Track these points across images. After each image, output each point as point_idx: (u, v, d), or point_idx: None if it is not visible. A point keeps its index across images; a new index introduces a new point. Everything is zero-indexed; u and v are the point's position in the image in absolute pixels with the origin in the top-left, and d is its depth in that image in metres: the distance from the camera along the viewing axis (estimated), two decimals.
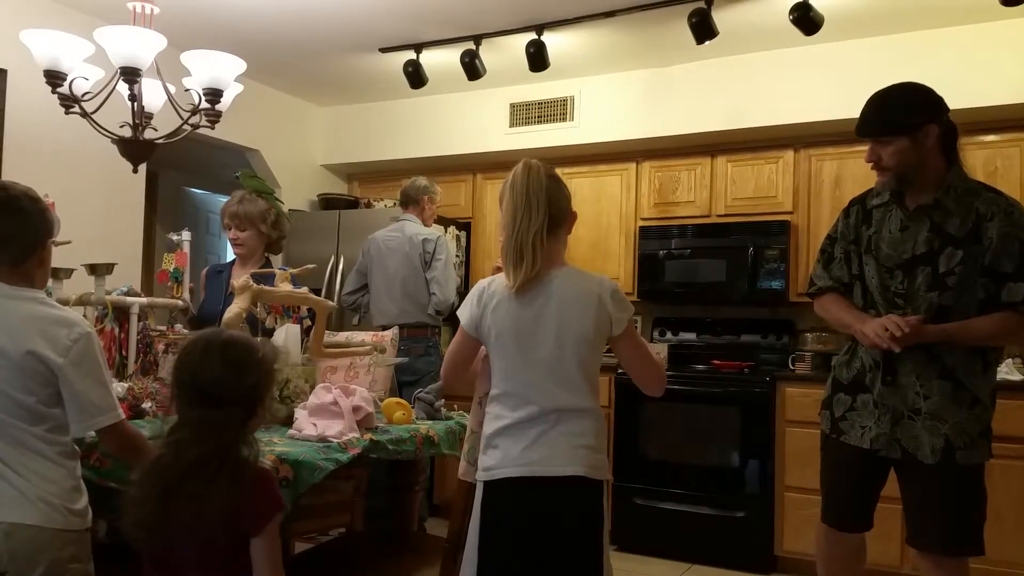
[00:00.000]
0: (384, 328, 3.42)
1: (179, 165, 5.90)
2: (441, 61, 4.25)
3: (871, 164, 2.21)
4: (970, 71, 3.66)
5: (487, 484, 1.77)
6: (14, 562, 1.63)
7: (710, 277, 4.32)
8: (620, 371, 4.24)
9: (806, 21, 3.37)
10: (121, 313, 2.57)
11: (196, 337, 1.64)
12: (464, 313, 1.82)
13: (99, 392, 1.71)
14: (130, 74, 2.46)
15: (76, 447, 1.78)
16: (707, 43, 3.57)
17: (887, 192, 2.24)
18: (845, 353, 2.35)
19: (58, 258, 2.23)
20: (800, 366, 4.07)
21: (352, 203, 5.19)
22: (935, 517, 2.13)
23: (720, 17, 3.51)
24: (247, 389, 1.56)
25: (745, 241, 4.22)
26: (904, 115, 2.13)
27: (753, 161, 4.32)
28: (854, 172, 3.99)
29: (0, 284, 1.70)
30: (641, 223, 4.56)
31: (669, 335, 4.62)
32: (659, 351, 4.36)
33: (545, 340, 1.75)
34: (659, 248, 4.44)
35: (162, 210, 5.96)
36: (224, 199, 6.35)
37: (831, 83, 3.92)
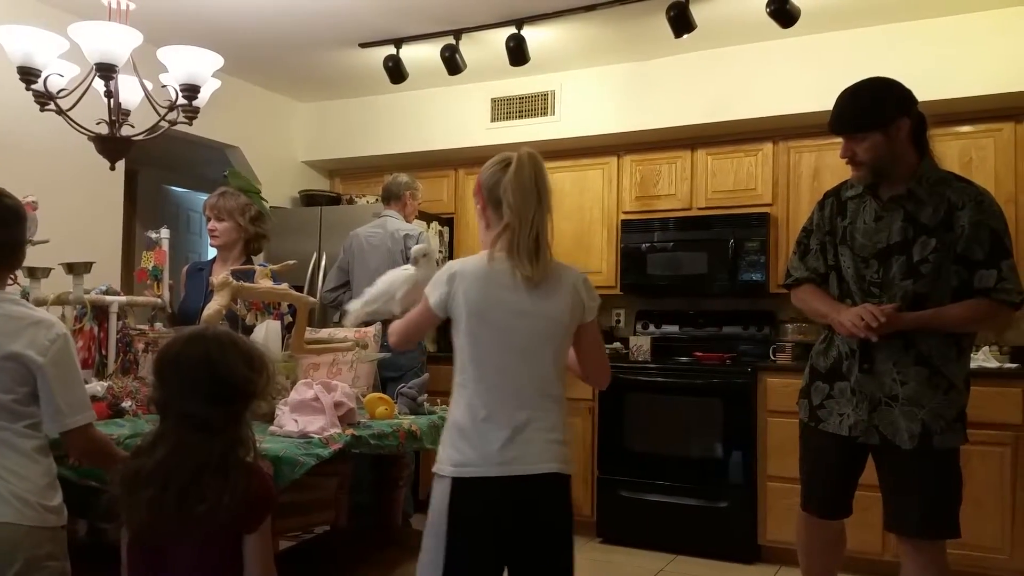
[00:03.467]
0: (366, 324, 3.42)
1: (159, 163, 5.85)
2: (421, 56, 4.24)
3: (846, 159, 2.24)
4: (946, 63, 3.70)
5: (459, 481, 1.72)
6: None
7: (692, 270, 4.34)
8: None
9: (783, 14, 3.39)
10: (100, 312, 2.55)
11: (195, 334, 1.62)
12: (433, 293, 1.79)
13: (74, 393, 1.72)
14: (106, 70, 2.44)
15: (49, 445, 1.77)
16: (685, 37, 3.59)
17: (861, 184, 2.27)
18: (822, 342, 2.39)
19: (36, 257, 2.21)
20: (781, 356, 4.10)
21: (334, 199, 5.17)
22: (912, 501, 2.16)
23: (698, 10, 3.53)
24: (257, 385, 1.57)
25: (726, 233, 4.25)
26: (876, 111, 2.16)
27: (733, 154, 4.35)
28: (832, 164, 4.02)
29: None
30: (623, 216, 4.58)
31: (652, 328, 4.64)
32: (641, 344, 4.39)
33: (524, 328, 1.75)
34: (641, 241, 4.46)
35: (142, 208, 5.92)
36: (203, 196, 6.33)
37: (809, 75, 3.95)
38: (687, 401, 4.06)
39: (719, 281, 4.29)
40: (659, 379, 4.15)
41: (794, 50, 4.00)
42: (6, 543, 1.63)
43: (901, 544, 2.23)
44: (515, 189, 1.75)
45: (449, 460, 1.74)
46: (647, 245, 4.44)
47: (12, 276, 1.84)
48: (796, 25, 3.47)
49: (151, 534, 1.50)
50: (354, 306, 2.33)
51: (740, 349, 4.39)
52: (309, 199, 5.15)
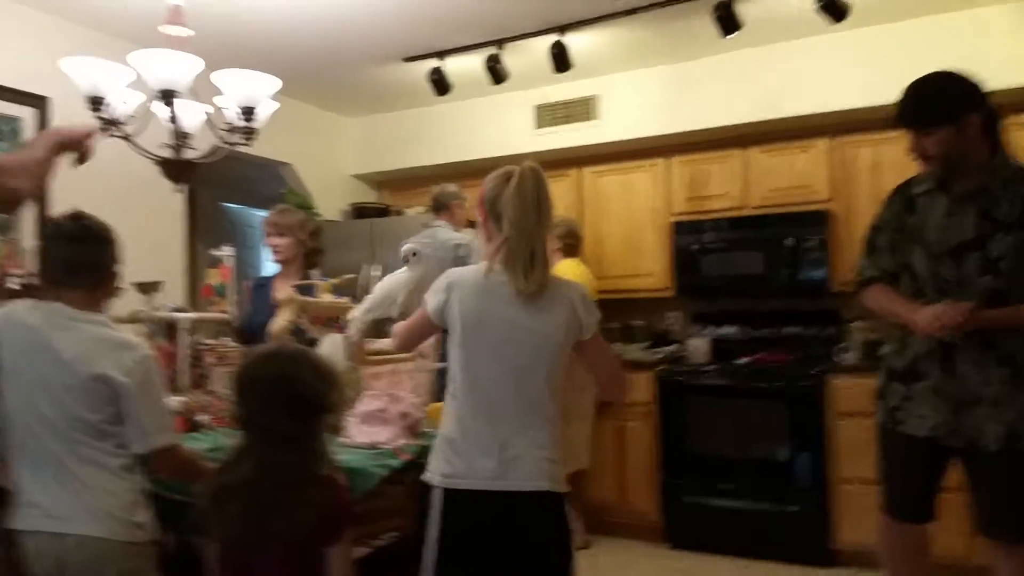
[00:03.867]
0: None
1: (215, 181, 5.96)
2: (465, 66, 4.26)
3: (915, 155, 2.18)
4: (1011, 50, 3.57)
5: (450, 492, 1.71)
6: (82, 573, 1.67)
7: (748, 270, 4.27)
8: (661, 368, 4.22)
9: (833, 8, 3.33)
10: (168, 328, 2.62)
11: (271, 351, 1.67)
12: (432, 301, 1.80)
13: (158, 413, 1.78)
14: (167, 96, 2.51)
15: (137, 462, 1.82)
16: (732, 35, 3.55)
17: (931, 179, 2.20)
18: (896, 342, 2.32)
19: None
20: (847, 357, 4.00)
21: (383, 211, 5.23)
22: (1005, 504, 2.09)
23: (744, 9, 3.48)
24: (331, 399, 1.61)
25: (782, 232, 4.17)
26: (945, 105, 2.11)
27: (786, 150, 4.27)
28: (892, 158, 3.92)
29: (71, 309, 1.76)
30: (674, 218, 4.52)
31: (709, 329, 4.57)
32: (699, 345, 4.33)
33: (517, 342, 1.74)
34: (694, 243, 4.40)
35: (201, 226, 6.04)
36: (259, 213, 6.44)
37: (861, 70, 3.87)
38: (750, 403, 3.99)
39: (778, 281, 4.21)
40: (719, 381, 4.08)
41: (845, 44, 3.92)
42: (97, 558, 1.68)
43: (993, 548, 2.16)
44: (515, 203, 1.75)
45: (439, 471, 1.73)
46: (701, 246, 4.39)
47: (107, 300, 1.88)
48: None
49: (238, 547, 1.54)
50: (355, 314, 2.35)
51: (803, 350, 4.29)
52: (359, 212, 5.22)
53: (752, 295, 4.48)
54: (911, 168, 2.28)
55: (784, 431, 3.88)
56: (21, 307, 1.80)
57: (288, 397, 1.56)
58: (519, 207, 1.75)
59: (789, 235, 4.15)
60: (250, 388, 1.60)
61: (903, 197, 2.29)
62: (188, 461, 1.83)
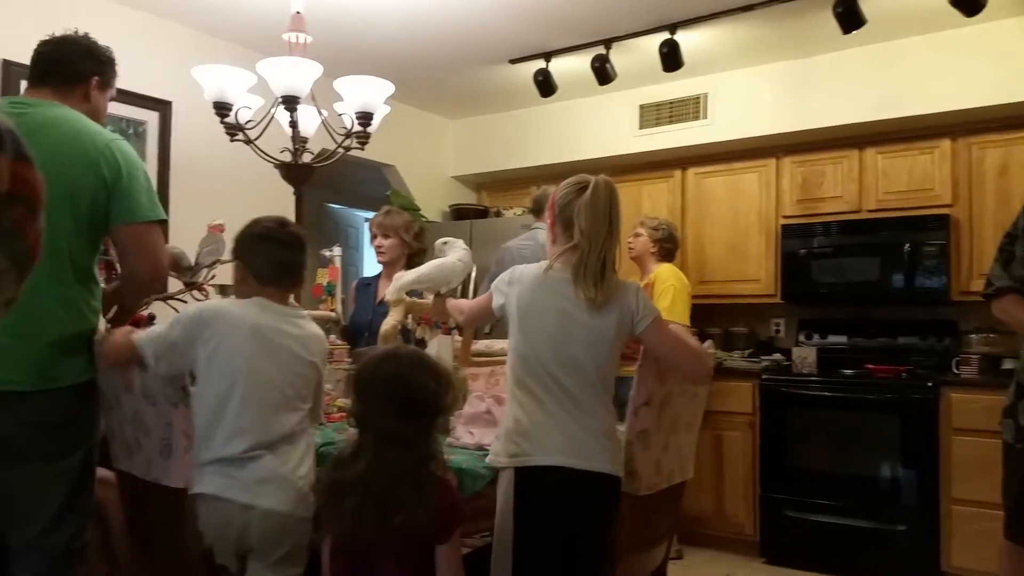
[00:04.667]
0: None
1: (320, 183, 6.18)
2: (570, 67, 4.25)
3: None
4: None
5: (520, 470, 1.82)
6: (262, 543, 1.78)
7: (861, 276, 4.09)
8: (764, 377, 4.09)
9: (968, 2, 3.14)
10: None
11: (388, 353, 1.72)
12: (497, 296, 1.95)
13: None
14: (291, 102, 2.60)
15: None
16: (854, 32, 3.40)
17: None
18: None
19: (227, 276, 2.38)
20: (965, 370, 3.78)
21: (482, 212, 5.28)
22: None
23: (866, 5, 3.33)
24: (444, 400, 1.65)
25: (899, 237, 3.97)
26: None
27: (906, 152, 4.06)
28: (1022, 160, 3.68)
29: (282, 306, 1.93)
30: (783, 221, 4.38)
31: (816, 338, 4.41)
32: (806, 355, 4.17)
33: (574, 334, 1.84)
34: (803, 247, 4.25)
35: (308, 227, 6.25)
36: (361, 213, 6.62)
37: (990, 66, 3.64)
38: (858, 416, 3.82)
39: (892, 288, 4.02)
40: (826, 393, 3.93)
41: (974, 39, 3.70)
42: (279, 529, 1.78)
43: None
44: (588, 214, 1.84)
45: (505, 452, 1.84)
46: (810, 250, 4.23)
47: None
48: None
49: (353, 541, 1.58)
50: (406, 279, 2.45)
51: (916, 361, 4.08)
52: (459, 213, 5.29)
53: (864, 303, 4.29)
54: None
55: (894, 446, 3.70)
56: (231, 303, 1.95)
57: (403, 398, 1.60)
58: (592, 218, 1.84)
59: (906, 240, 3.95)
60: (367, 387, 1.64)
61: None
62: None
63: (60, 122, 1.83)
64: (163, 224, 1.98)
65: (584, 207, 1.85)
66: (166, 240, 2.17)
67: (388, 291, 2.56)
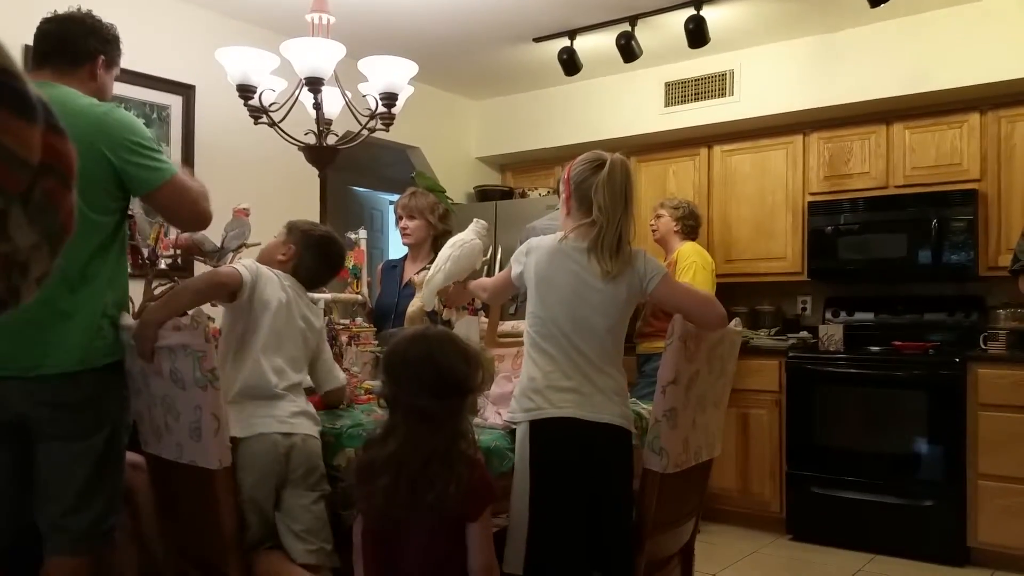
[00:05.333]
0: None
1: (345, 165, 6.21)
2: (594, 45, 4.22)
3: None
4: None
5: (535, 423, 1.90)
6: (303, 465, 1.94)
7: (888, 253, 4.05)
8: (791, 355, 4.08)
9: None
10: None
11: (418, 334, 1.74)
12: (515, 266, 2.07)
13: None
14: (315, 83, 2.61)
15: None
16: (882, 5, 3.35)
17: None
18: None
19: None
20: (992, 345, 3.75)
21: (507, 193, 5.28)
22: None
23: None
24: (474, 380, 1.67)
25: (927, 213, 3.93)
26: None
27: (934, 127, 4.00)
28: None
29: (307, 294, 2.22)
30: (810, 198, 4.34)
31: (843, 315, 4.38)
32: (832, 332, 4.15)
33: (587, 297, 1.94)
34: (830, 224, 4.21)
35: (332, 210, 6.29)
36: (386, 196, 6.64)
37: (1021, 38, 3.57)
38: (885, 393, 3.81)
39: (920, 264, 3.98)
40: (853, 370, 3.92)
41: (1001, 12, 3.63)
42: (316, 454, 1.98)
43: None
44: (606, 192, 1.92)
45: (521, 408, 1.94)
46: (837, 227, 4.19)
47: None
48: None
49: (385, 520, 1.61)
50: (437, 279, 2.52)
51: (943, 337, 4.05)
52: (483, 194, 5.29)
53: (891, 279, 4.26)
54: None
55: (921, 422, 3.69)
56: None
57: (434, 378, 1.62)
58: (610, 196, 1.92)
59: (934, 216, 3.90)
60: (398, 368, 1.66)
61: None
62: None
63: (55, 104, 1.83)
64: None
65: (601, 185, 1.92)
66: None
67: (422, 298, 2.58)
